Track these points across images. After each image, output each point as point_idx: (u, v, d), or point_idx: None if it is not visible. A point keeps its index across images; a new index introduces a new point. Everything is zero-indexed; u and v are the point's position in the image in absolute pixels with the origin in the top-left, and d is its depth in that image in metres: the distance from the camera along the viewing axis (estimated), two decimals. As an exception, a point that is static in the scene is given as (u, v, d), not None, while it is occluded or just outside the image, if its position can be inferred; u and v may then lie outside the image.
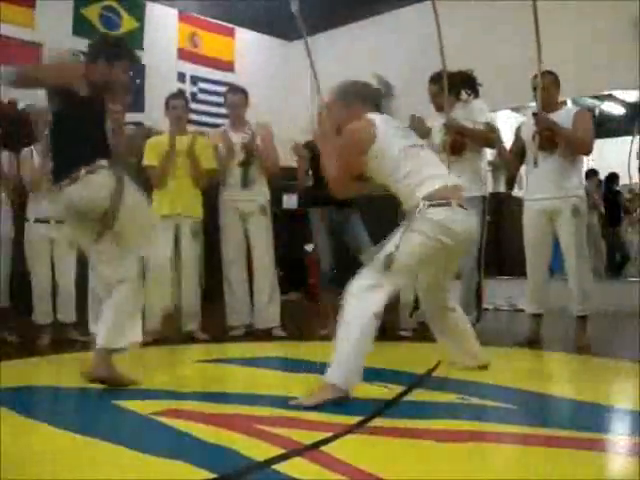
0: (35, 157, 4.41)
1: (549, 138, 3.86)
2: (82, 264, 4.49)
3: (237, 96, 4.71)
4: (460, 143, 4.15)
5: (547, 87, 3.91)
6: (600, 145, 4.22)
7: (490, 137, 4.16)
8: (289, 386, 2.94)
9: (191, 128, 4.94)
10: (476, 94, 4.36)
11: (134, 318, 2.90)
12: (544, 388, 2.79)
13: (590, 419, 2.24)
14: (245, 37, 8.14)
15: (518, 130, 4.20)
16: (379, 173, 2.75)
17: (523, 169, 4.28)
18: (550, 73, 3.98)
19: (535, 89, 3.93)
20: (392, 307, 4.79)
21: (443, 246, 2.58)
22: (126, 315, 2.85)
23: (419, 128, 4.23)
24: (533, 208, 4.00)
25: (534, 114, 3.89)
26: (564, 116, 3.93)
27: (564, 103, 4.35)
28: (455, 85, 4.18)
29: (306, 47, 4.17)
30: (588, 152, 4.05)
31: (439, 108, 4.28)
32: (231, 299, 4.63)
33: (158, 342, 4.31)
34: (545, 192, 3.92)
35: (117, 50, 2.94)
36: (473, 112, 4.19)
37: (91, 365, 2.79)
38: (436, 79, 4.27)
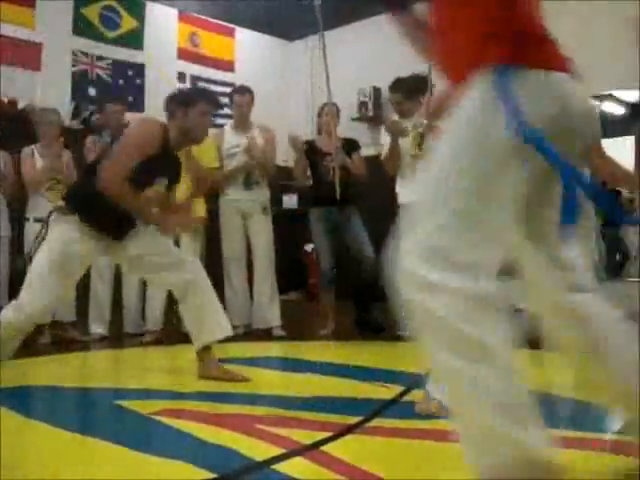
0: (36, 157, 4.41)
1: None
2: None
3: (245, 97, 4.69)
4: None
5: None
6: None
7: None
8: (289, 386, 2.94)
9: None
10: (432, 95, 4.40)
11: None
12: (544, 388, 2.79)
13: (590, 419, 2.24)
14: (245, 37, 8.14)
15: None
16: None
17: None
18: None
19: None
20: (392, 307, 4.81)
21: None
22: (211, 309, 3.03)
23: (396, 131, 4.27)
24: None
25: None
26: None
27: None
28: (417, 89, 4.20)
29: (322, 43, 4.20)
30: None
31: (403, 114, 4.32)
32: (231, 299, 4.63)
33: (158, 342, 4.32)
34: None
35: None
36: None
37: (204, 366, 2.97)
38: (397, 87, 4.33)
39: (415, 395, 2.54)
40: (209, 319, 2.97)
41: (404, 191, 4.36)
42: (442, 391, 2.24)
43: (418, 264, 1.17)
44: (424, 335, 1.19)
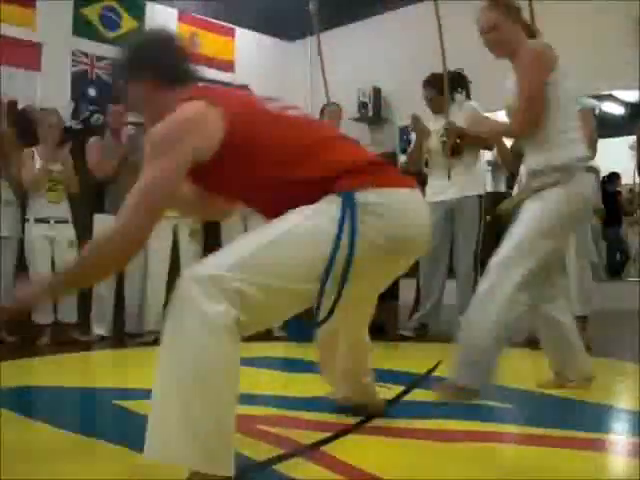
0: (36, 157, 4.41)
1: None
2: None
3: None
4: (460, 146, 4.18)
5: None
6: (601, 145, 4.20)
7: (488, 139, 4.18)
8: (289, 386, 2.94)
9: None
10: (468, 93, 4.39)
11: None
12: (544, 388, 2.78)
13: (590, 419, 2.24)
14: (245, 37, 8.14)
15: None
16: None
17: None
18: None
19: None
20: (392, 307, 4.82)
21: None
22: None
23: (420, 129, 4.28)
24: None
25: None
26: None
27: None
28: (449, 86, 4.19)
29: (318, 45, 4.21)
30: (591, 157, 4.03)
31: (436, 111, 4.31)
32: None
33: (158, 342, 4.32)
34: None
35: None
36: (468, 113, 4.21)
37: None
38: (431, 82, 4.31)
39: (418, 393, 2.55)
40: None
41: (431, 190, 4.32)
42: (468, 376, 2.27)
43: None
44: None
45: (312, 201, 1.53)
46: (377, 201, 1.53)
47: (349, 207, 1.49)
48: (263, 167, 1.57)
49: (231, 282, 1.42)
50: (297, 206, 1.54)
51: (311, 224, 1.50)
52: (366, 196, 1.52)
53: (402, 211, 1.57)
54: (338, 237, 1.48)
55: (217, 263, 1.46)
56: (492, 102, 4.81)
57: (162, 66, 1.68)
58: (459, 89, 4.32)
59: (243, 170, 1.58)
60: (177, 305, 1.44)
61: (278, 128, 1.60)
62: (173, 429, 1.37)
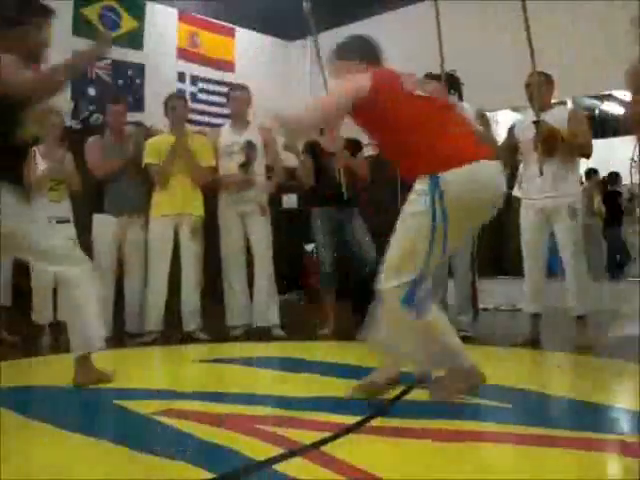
0: (37, 157, 4.41)
1: (551, 146, 3.83)
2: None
3: (240, 92, 4.73)
4: None
5: (539, 87, 3.90)
6: (601, 145, 4.19)
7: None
8: (289, 386, 2.94)
9: (190, 128, 4.94)
10: (460, 94, 4.38)
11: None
12: (544, 388, 2.79)
13: (590, 419, 2.24)
14: (245, 37, 8.14)
15: (511, 129, 4.20)
16: None
17: (520, 169, 4.29)
18: (543, 74, 3.98)
19: (527, 89, 3.94)
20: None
21: None
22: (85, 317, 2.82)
23: None
24: (530, 208, 4.01)
25: (534, 122, 3.87)
26: (557, 115, 3.93)
27: (564, 103, 4.35)
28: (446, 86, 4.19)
29: (316, 46, 4.20)
30: (589, 155, 4.03)
31: None
32: (231, 299, 4.62)
33: (158, 342, 4.33)
34: (542, 192, 3.92)
35: None
36: None
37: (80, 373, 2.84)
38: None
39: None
40: (83, 327, 2.78)
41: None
42: None
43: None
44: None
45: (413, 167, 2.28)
46: (456, 179, 2.13)
47: (435, 188, 2.14)
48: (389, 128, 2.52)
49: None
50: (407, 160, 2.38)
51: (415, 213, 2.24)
52: (450, 175, 2.13)
53: (475, 183, 2.18)
54: (432, 213, 2.16)
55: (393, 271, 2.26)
56: (490, 102, 4.84)
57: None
58: (452, 90, 4.32)
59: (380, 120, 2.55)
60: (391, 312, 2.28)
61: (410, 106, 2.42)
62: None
